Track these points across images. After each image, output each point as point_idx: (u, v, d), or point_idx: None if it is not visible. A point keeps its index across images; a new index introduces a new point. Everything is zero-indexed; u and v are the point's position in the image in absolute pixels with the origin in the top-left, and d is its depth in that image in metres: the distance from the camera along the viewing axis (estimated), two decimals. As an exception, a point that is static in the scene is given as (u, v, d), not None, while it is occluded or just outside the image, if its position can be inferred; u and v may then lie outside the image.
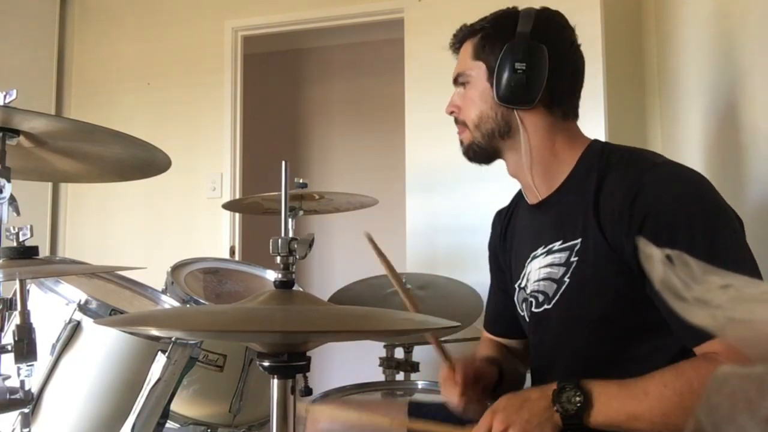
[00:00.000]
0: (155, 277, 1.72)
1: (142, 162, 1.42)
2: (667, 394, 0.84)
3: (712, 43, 1.71)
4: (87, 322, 1.28)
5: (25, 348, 1.11)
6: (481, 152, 1.13)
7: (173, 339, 1.29)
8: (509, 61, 1.05)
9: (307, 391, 0.83)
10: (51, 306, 1.31)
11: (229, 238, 3.10)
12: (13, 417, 1.20)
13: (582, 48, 1.12)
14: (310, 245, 0.77)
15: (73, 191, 3.34)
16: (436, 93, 2.77)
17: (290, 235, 1.47)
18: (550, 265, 1.06)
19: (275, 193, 1.99)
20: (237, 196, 3.09)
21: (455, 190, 2.65)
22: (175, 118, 3.20)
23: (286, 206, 0.86)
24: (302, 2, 3.13)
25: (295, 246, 0.77)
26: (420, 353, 2.05)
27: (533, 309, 1.11)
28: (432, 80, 2.65)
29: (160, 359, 1.28)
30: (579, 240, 1.02)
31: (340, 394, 1.63)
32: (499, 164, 1.19)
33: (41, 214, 3.17)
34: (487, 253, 1.33)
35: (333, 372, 3.71)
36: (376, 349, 2.03)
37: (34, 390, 1.21)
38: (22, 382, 1.13)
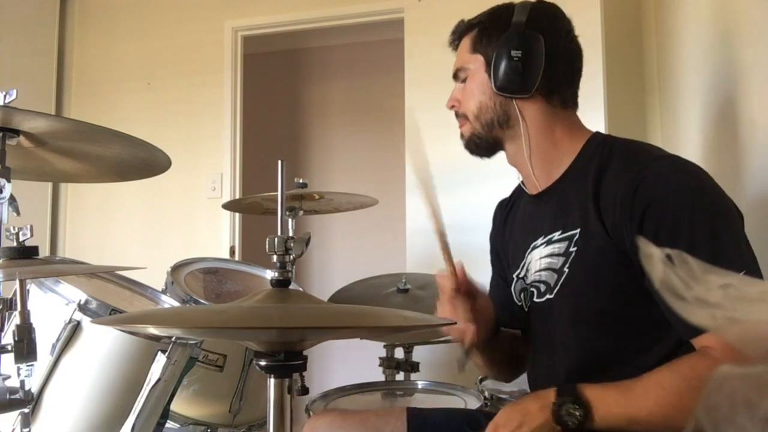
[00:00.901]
0: (155, 277, 1.72)
1: (142, 162, 1.42)
2: (665, 395, 0.84)
3: (711, 41, 1.71)
4: (87, 322, 1.28)
5: (25, 348, 1.11)
6: (481, 143, 1.14)
7: (173, 339, 1.29)
8: (505, 51, 1.06)
9: (304, 391, 0.83)
10: (51, 306, 1.31)
11: (229, 238, 3.10)
12: (13, 417, 1.20)
13: (582, 48, 1.13)
14: (307, 244, 0.78)
15: (73, 191, 3.34)
16: (436, 93, 2.77)
17: (290, 234, 1.47)
18: (550, 255, 1.07)
19: (275, 193, 1.98)
20: (237, 196, 3.09)
21: (455, 190, 2.64)
22: (175, 118, 3.20)
23: (282, 205, 0.86)
24: (302, 2, 3.13)
25: (292, 245, 0.77)
26: (420, 353, 2.05)
27: (534, 299, 1.11)
28: (432, 80, 2.65)
29: (160, 359, 1.27)
30: (578, 230, 1.02)
31: (340, 394, 1.63)
32: (499, 164, 1.19)
33: (41, 214, 3.17)
34: (487, 252, 1.33)
35: (333, 372, 3.71)
36: (376, 349, 2.03)
37: (34, 390, 1.21)
38: (22, 382, 1.13)
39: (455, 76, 1.17)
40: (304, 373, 0.83)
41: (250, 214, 2.61)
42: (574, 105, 1.13)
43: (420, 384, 1.76)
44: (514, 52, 1.06)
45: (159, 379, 1.26)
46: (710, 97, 1.72)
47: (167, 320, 0.75)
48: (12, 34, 3.06)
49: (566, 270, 1.03)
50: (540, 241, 1.10)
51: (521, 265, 1.16)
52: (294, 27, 3.21)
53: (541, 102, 1.10)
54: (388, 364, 2.00)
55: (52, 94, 3.27)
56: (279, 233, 0.81)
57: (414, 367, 2.00)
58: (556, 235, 1.06)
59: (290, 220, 2.12)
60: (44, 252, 2.96)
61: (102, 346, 1.29)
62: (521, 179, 1.20)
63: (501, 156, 1.18)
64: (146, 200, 3.19)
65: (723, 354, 0.80)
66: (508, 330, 1.27)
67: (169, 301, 1.61)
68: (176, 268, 1.86)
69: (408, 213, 2.77)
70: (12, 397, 1.13)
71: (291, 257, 0.79)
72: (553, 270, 1.06)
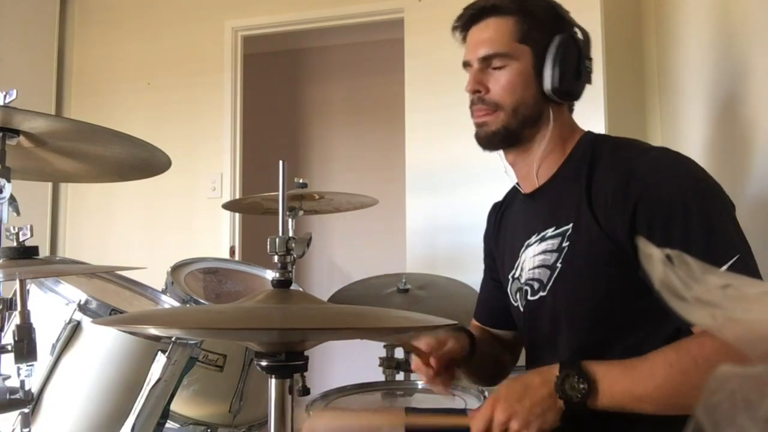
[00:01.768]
0: (155, 277, 1.72)
1: (142, 162, 1.42)
2: (672, 373, 0.83)
3: (711, 40, 1.71)
4: (87, 322, 1.28)
5: (25, 348, 1.11)
6: (509, 138, 1.09)
7: (173, 339, 1.29)
8: (564, 53, 1.06)
9: (305, 391, 0.83)
10: (51, 306, 1.31)
11: (229, 238, 3.10)
12: (13, 417, 1.20)
13: (592, 60, 1.14)
14: (308, 244, 0.78)
15: (73, 191, 3.34)
16: (436, 93, 2.79)
17: (290, 234, 1.47)
18: (544, 252, 1.07)
19: (275, 193, 1.98)
20: (237, 196, 3.10)
21: (455, 190, 2.65)
22: (175, 118, 3.20)
23: (283, 206, 0.86)
24: (302, 2, 3.13)
25: (293, 245, 0.77)
26: (420, 353, 2.04)
27: (528, 297, 1.11)
28: (432, 80, 2.66)
29: (160, 359, 1.28)
30: (570, 225, 1.02)
31: (340, 394, 1.63)
32: (500, 164, 1.19)
33: (41, 214, 3.17)
34: (487, 252, 1.33)
35: (333, 372, 3.71)
36: (376, 349, 2.03)
37: (34, 390, 1.21)
38: (22, 382, 1.13)
39: (484, 60, 1.08)
40: (304, 374, 0.83)
41: (250, 214, 2.62)
42: (573, 108, 1.16)
43: (420, 384, 1.76)
44: (572, 57, 1.06)
45: (159, 379, 1.26)
46: (710, 97, 1.72)
47: (167, 320, 0.75)
48: (12, 34, 3.06)
49: (559, 265, 1.03)
50: (533, 239, 1.10)
51: (516, 265, 1.15)
52: (294, 27, 3.21)
53: (565, 107, 1.11)
54: (388, 364, 2.00)
55: (52, 94, 3.27)
56: (280, 233, 0.81)
57: (414, 367, 2.00)
58: (550, 232, 1.06)
59: (290, 220, 2.13)
60: (44, 252, 2.96)
61: (102, 346, 1.29)
62: (516, 180, 1.20)
63: (502, 156, 1.17)
64: (146, 200, 3.19)
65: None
66: (493, 334, 1.27)
67: (169, 301, 1.61)
68: (176, 268, 1.86)
69: (408, 213, 2.77)
70: (12, 397, 1.13)
71: (292, 258, 0.79)
72: (547, 266, 1.06)
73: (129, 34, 3.34)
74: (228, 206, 2.72)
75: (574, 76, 1.07)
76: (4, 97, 1.18)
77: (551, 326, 1.07)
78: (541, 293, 1.07)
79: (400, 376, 2.02)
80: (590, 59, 1.11)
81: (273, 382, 0.74)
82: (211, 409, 1.72)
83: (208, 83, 3.19)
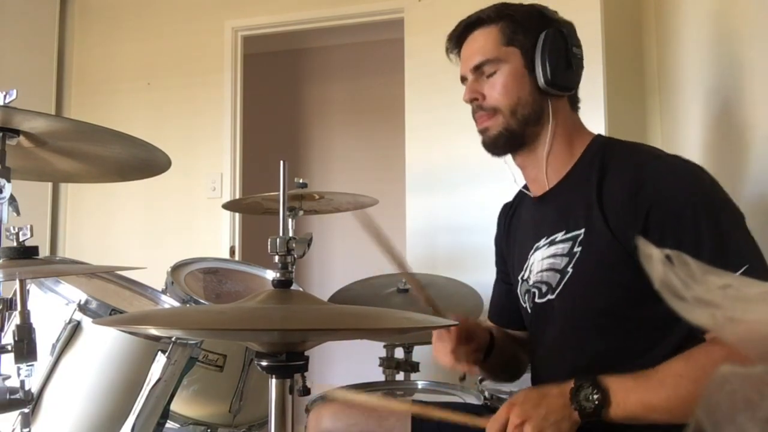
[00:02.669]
0: (155, 277, 1.72)
1: (142, 162, 1.42)
2: (684, 383, 0.85)
3: (711, 41, 1.71)
4: (87, 322, 1.28)
5: (25, 348, 1.11)
6: (512, 139, 1.10)
7: (173, 339, 1.29)
8: (551, 47, 1.07)
9: (305, 391, 0.83)
10: (51, 306, 1.31)
11: (229, 238, 3.10)
12: (13, 417, 1.20)
13: (582, 48, 1.14)
14: (309, 244, 0.78)
15: (73, 191, 3.34)
16: (436, 93, 2.79)
17: (290, 234, 1.47)
18: (553, 255, 1.07)
19: (275, 193, 1.98)
20: (237, 196, 3.09)
21: (455, 190, 2.64)
22: (175, 118, 3.20)
23: (284, 206, 0.86)
24: (302, 2, 3.13)
25: (293, 245, 0.77)
26: (420, 353, 2.05)
27: (536, 300, 1.11)
28: (432, 80, 2.65)
29: (160, 359, 1.28)
30: (582, 230, 1.03)
31: (340, 394, 1.63)
32: (501, 165, 1.19)
33: (41, 214, 3.17)
34: (487, 252, 1.34)
35: (333, 372, 3.71)
36: (376, 349, 2.03)
37: (34, 390, 1.21)
38: (22, 382, 1.13)
39: (476, 69, 1.12)
40: (305, 374, 0.83)
41: (250, 214, 2.62)
42: (578, 108, 1.15)
43: (420, 384, 1.76)
44: (560, 49, 1.07)
45: (159, 379, 1.26)
46: (710, 97, 1.72)
47: (167, 320, 0.75)
48: (12, 34, 3.06)
49: (570, 270, 1.04)
50: (543, 242, 1.10)
51: (525, 266, 1.16)
52: (294, 27, 3.21)
53: (566, 102, 1.11)
54: (388, 364, 2.00)
55: (52, 94, 3.27)
56: (281, 233, 0.81)
57: (414, 367, 2.00)
58: (559, 236, 1.06)
59: (290, 220, 2.13)
60: (44, 252, 2.96)
61: (102, 346, 1.29)
62: (523, 183, 1.20)
63: (510, 162, 1.17)
64: (146, 200, 3.19)
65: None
66: (509, 332, 1.27)
67: (169, 301, 1.61)
68: (176, 268, 1.86)
69: (408, 213, 2.77)
70: (12, 397, 1.13)
71: (293, 258, 0.79)
72: (556, 270, 1.06)
73: (129, 34, 3.34)
74: (228, 206, 2.72)
75: (565, 67, 1.08)
76: (4, 97, 1.18)
77: (558, 329, 1.08)
78: (549, 296, 1.08)
79: (400, 376, 2.02)
80: (579, 47, 1.11)
81: (273, 382, 0.75)
82: (211, 409, 1.72)
83: (208, 83, 3.19)
